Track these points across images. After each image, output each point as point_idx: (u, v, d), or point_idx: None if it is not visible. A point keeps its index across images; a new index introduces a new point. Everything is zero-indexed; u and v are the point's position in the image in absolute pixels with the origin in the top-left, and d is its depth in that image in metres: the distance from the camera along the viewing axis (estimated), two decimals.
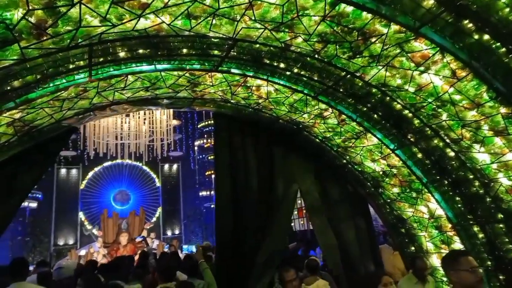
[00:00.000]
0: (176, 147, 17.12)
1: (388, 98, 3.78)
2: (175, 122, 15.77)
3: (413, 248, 4.75)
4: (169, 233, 17.71)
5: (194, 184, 17.98)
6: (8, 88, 2.60)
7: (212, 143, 17.33)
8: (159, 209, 17.71)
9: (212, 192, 17.19)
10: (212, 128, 16.78)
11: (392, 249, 5.47)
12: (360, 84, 3.76)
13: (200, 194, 17.60)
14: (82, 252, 13.28)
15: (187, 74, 3.77)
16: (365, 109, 4.08)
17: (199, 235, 17.83)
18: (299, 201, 11.62)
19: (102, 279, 4.10)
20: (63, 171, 16.41)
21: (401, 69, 3.33)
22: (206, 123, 16.44)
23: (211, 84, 4.03)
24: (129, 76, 3.52)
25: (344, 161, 5.09)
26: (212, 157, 17.13)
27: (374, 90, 3.76)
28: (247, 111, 4.79)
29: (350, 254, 4.87)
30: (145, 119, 13.44)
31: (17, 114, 3.12)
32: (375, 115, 4.10)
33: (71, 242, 15.62)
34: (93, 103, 3.72)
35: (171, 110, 13.75)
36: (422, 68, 3.22)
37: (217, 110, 4.86)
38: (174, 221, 18.03)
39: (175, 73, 3.71)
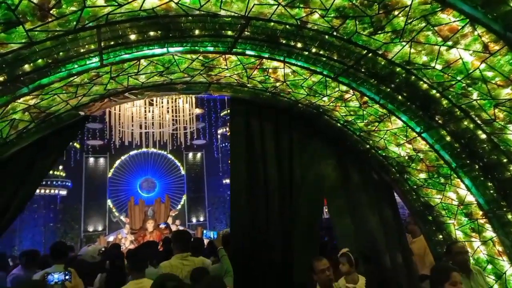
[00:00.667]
0: (199, 136, 17.26)
1: (413, 77, 3.54)
2: (198, 111, 15.82)
3: (441, 236, 4.51)
4: (194, 220, 17.99)
5: (218, 172, 18.10)
6: (19, 73, 2.59)
7: None
8: (184, 197, 17.99)
9: None
10: None
11: (411, 236, 5.24)
12: (382, 63, 3.53)
13: (224, 181, 17.70)
14: (111, 238, 13.74)
15: (200, 58, 3.67)
16: (388, 90, 3.85)
17: (223, 222, 18.01)
18: None
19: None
20: (91, 160, 16.92)
21: (427, 45, 3.09)
22: (228, 110, 16.37)
23: (226, 67, 3.92)
24: (142, 61, 3.46)
25: (367, 146, 4.87)
26: None
27: (398, 69, 3.52)
28: (265, 96, 4.65)
29: (374, 244, 4.67)
30: (168, 108, 13.55)
31: (32, 101, 3.13)
32: (400, 96, 3.86)
33: (100, 228, 16.17)
34: (108, 89, 3.69)
35: (193, 98, 13.80)
36: (450, 43, 2.97)
37: (234, 95, 4.75)
38: (199, 208, 18.28)
39: (188, 56, 3.62)
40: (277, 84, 4.31)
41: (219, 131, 17.86)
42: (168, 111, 13.73)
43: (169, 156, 17.96)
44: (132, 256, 3.59)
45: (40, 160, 3.77)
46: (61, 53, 2.70)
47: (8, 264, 5.28)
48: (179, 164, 18.29)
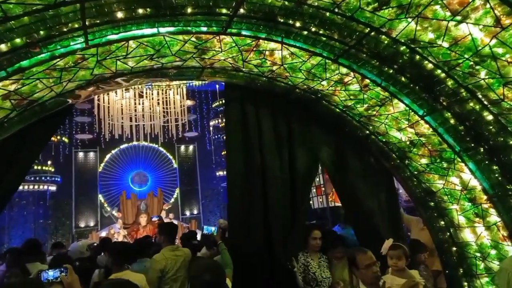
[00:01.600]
0: (191, 128, 17.03)
1: (418, 56, 3.38)
2: (189, 103, 15.59)
3: (442, 222, 4.41)
4: (187, 213, 17.81)
5: (211, 164, 17.89)
6: None
7: None
8: (177, 190, 17.77)
9: None
10: None
11: (422, 223, 5.12)
12: (386, 42, 3.36)
13: (217, 174, 17.52)
14: (103, 233, 13.52)
15: (193, 39, 3.45)
16: (391, 71, 3.69)
17: (217, 215, 17.85)
18: (317, 179, 11.33)
19: None
20: (80, 154, 16.55)
21: (434, 21, 2.92)
22: (221, 102, 16.15)
23: (220, 50, 3.70)
24: (131, 43, 3.23)
25: (367, 131, 4.73)
26: None
27: (402, 48, 3.36)
28: (261, 81, 4.45)
29: (373, 232, 4.56)
30: (159, 99, 13.31)
31: (12, 86, 2.89)
32: (403, 78, 3.70)
33: (92, 224, 15.89)
34: (95, 73, 3.46)
35: (184, 90, 13.55)
36: (459, 18, 2.80)
37: (228, 80, 4.54)
38: (192, 201, 18.09)
39: (181, 37, 3.40)
40: (274, 68, 4.12)
41: (211, 123, 17.62)
42: (158, 103, 13.47)
43: (161, 149, 17.69)
44: (113, 251, 3.71)
45: (23, 152, 3.53)
46: (41, 32, 2.47)
47: None
48: (171, 157, 18.03)
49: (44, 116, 3.54)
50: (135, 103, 13.52)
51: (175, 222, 14.68)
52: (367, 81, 3.99)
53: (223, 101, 15.70)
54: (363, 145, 4.90)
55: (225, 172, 17.71)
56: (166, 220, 14.35)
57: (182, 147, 18.41)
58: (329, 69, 3.96)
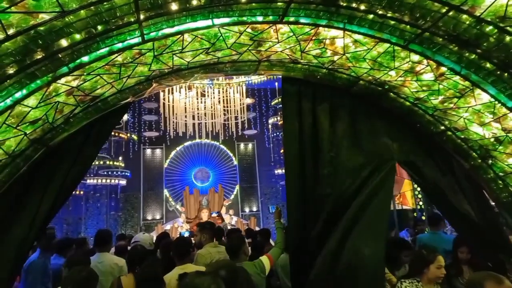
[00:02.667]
0: (250, 126, 17.14)
1: (508, 38, 2.86)
2: (248, 101, 15.70)
3: None
4: (247, 210, 17.97)
5: (270, 162, 17.83)
6: (56, 48, 2.42)
7: None
8: (237, 187, 18.03)
9: None
10: None
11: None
12: (467, 22, 2.90)
13: (276, 172, 17.40)
14: (167, 226, 14.15)
15: (249, 30, 3.30)
16: (473, 56, 3.19)
17: None
18: None
19: None
20: (148, 151, 17.54)
21: None
22: (279, 100, 16.02)
23: (277, 41, 3.51)
24: (186, 36, 3.17)
25: (442, 127, 4.20)
26: None
27: (488, 28, 2.87)
28: (321, 73, 4.16)
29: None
30: (219, 98, 13.61)
31: (74, 82, 2.99)
32: (488, 64, 3.19)
33: (158, 217, 16.76)
34: (152, 69, 3.47)
35: (244, 88, 13.66)
36: None
37: (285, 74, 4.31)
38: (252, 198, 18.21)
39: (236, 29, 3.27)
40: (335, 58, 3.81)
41: (270, 121, 17.58)
42: (219, 101, 13.76)
43: (222, 146, 18.08)
44: (175, 244, 3.98)
45: (87, 147, 3.69)
46: (99, 27, 2.49)
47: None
48: (231, 154, 18.35)
49: (105, 114, 3.65)
50: (197, 102, 13.97)
51: (235, 218, 14.92)
52: (443, 69, 3.51)
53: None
54: (436, 142, 4.37)
55: (283, 170, 17.49)
56: (227, 216, 14.63)
57: (242, 145, 18.63)
58: (398, 57, 3.55)
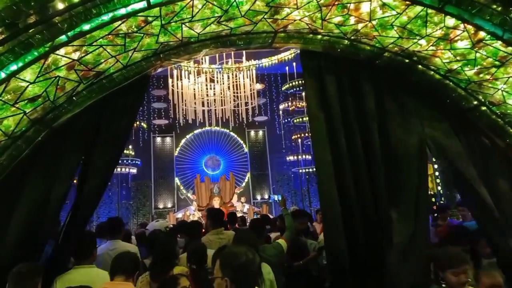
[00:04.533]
0: (261, 112, 16.82)
1: None
2: (258, 86, 15.34)
3: None
4: (258, 197, 17.77)
5: (281, 149, 17.50)
6: (51, 11, 2.15)
7: (298, 105, 16.52)
8: (248, 174, 17.81)
9: (300, 157, 16.54)
10: (297, 89, 15.91)
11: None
12: None
13: (288, 159, 17.10)
14: (179, 215, 14.06)
15: None
16: None
17: (288, 200, 17.48)
18: None
19: None
20: (158, 139, 17.39)
21: None
22: (290, 84, 15.62)
23: (295, 7, 3.18)
24: (196, 1, 2.86)
25: (475, 102, 3.84)
26: (297, 120, 16.36)
27: None
28: (342, 45, 3.82)
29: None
30: (229, 83, 13.33)
31: (75, 54, 2.72)
32: None
33: (169, 205, 16.68)
34: (160, 41, 3.18)
35: (254, 72, 13.30)
36: None
37: (303, 47, 3.98)
38: (263, 186, 17.99)
39: None
40: (359, 26, 3.47)
41: (281, 107, 17.20)
42: (229, 87, 13.47)
43: (232, 134, 17.82)
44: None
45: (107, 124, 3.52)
46: None
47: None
48: (241, 141, 18.09)
49: (122, 88, 3.42)
50: (207, 88, 13.69)
51: (247, 206, 14.75)
52: (482, 34, 3.15)
53: (293, 83, 15.52)
54: (467, 118, 4.01)
55: (295, 157, 17.25)
56: (238, 204, 14.47)
57: (252, 132, 18.34)
58: (430, 23, 3.19)
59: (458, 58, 3.47)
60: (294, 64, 13.90)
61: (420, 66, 3.83)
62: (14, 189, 3.10)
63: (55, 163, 3.35)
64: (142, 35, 2.94)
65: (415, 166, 3.76)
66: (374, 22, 3.35)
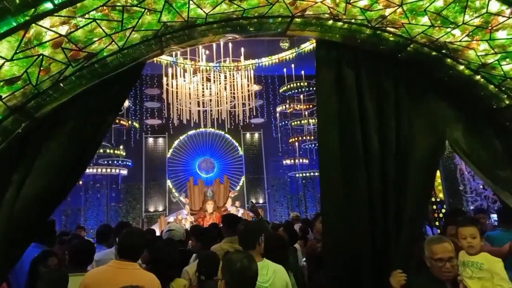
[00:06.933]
0: (257, 114, 16.45)
1: None
2: (256, 87, 14.98)
3: None
4: (253, 202, 17.32)
5: (277, 153, 17.11)
6: None
7: (295, 108, 16.18)
8: (243, 178, 17.36)
9: (297, 161, 16.18)
10: (294, 92, 15.58)
11: None
12: None
13: (284, 162, 16.70)
14: (171, 218, 13.51)
15: None
16: None
17: (284, 205, 17.09)
18: None
19: None
20: (150, 140, 16.83)
21: None
22: (288, 86, 15.31)
23: None
24: None
25: (508, 101, 3.50)
26: (295, 123, 16.01)
27: None
28: (364, 34, 3.44)
29: None
30: (226, 83, 12.98)
31: (62, 28, 2.28)
32: None
33: (160, 209, 16.11)
34: (163, 21, 2.76)
35: (252, 73, 12.95)
36: None
37: (320, 36, 3.60)
38: (258, 190, 17.54)
39: None
40: (387, 12, 3.09)
41: (278, 109, 16.86)
42: (225, 88, 13.11)
43: (227, 136, 17.38)
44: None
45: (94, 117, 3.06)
46: None
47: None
48: (237, 144, 17.65)
49: (113, 76, 2.96)
50: (202, 88, 13.27)
51: (241, 210, 14.29)
52: None
53: (291, 85, 15.18)
54: (497, 121, 3.67)
55: (291, 161, 16.89)
56: (232, 208, 14.00)
57: (248, 134, 17.92)
58: (471, 8, 2.83)
59: (496, 50, 3.11)
60: (293, 65, 13.59)
61: (449, 60, 3.46)
62: None
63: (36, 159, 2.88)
64: (143, 10, 2.51)
65: (428, 170, 3.43)
66: (405, 7, 2.97)
